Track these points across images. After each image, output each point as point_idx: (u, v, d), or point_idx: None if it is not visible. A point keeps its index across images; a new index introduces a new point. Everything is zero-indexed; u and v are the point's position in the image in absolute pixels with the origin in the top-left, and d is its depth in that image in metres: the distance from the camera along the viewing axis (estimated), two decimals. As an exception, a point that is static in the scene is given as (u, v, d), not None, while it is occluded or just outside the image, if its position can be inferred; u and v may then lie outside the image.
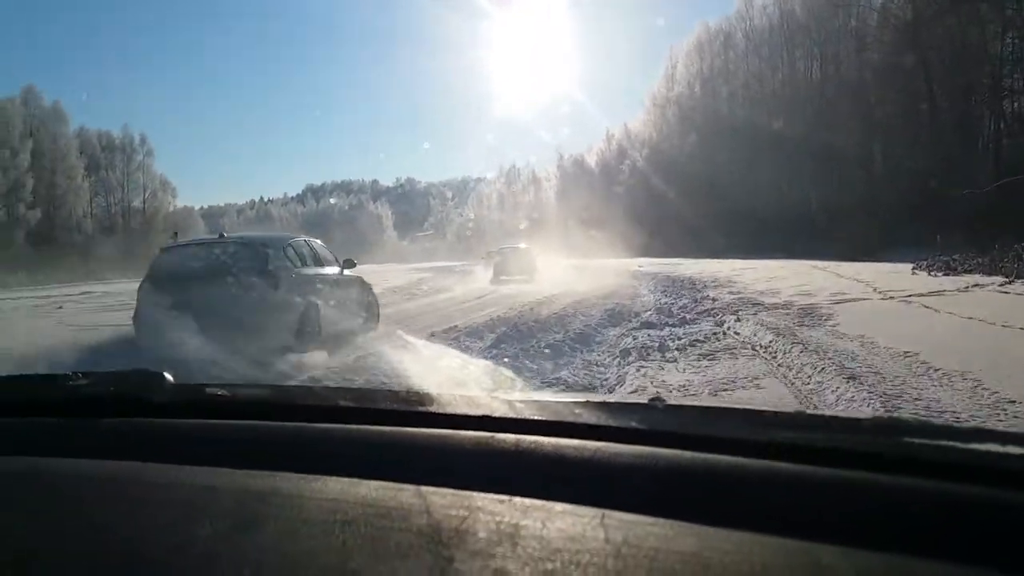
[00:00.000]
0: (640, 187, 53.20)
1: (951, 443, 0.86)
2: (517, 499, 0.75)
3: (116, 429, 1.09)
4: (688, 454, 0.82)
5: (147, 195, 64.63)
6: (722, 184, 44.41)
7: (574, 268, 27.95)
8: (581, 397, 1.08)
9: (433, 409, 1.04)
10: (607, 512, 0.70)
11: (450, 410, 1.03)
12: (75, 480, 0.91)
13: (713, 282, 17.99)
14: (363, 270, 10.68)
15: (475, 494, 0.76)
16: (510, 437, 0.90)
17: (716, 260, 31.32)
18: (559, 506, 0.73)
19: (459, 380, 3.80)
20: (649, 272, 24.63)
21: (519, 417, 0.97)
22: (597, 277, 21.43)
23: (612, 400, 2.18)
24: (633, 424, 0.94)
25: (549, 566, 0.62)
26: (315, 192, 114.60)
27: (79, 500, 0.85)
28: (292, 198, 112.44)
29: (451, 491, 0.77)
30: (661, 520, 0.69)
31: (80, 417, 1.11)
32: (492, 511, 0.73)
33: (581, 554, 0.63)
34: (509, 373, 5.35)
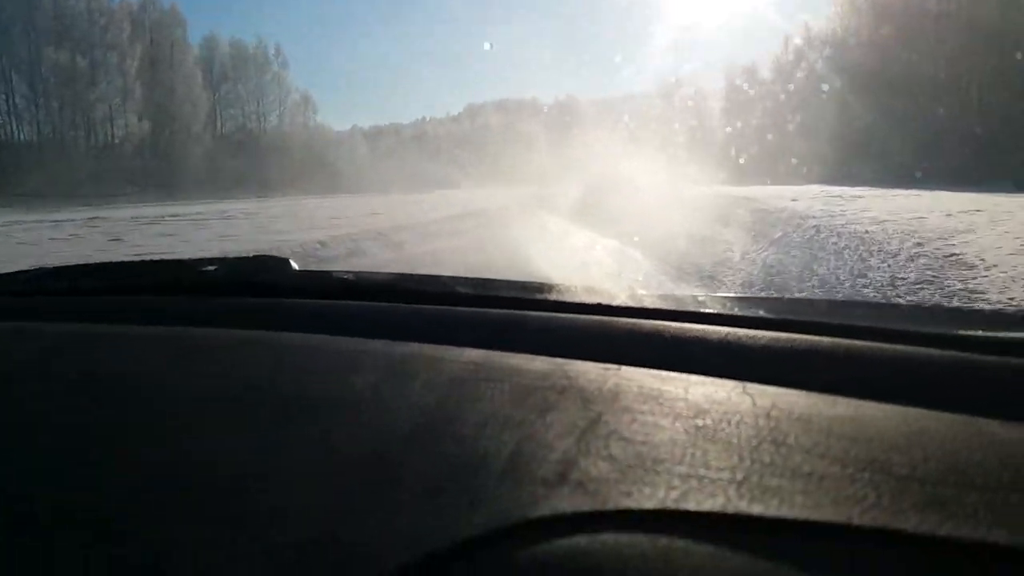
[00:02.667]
0: (816, 97, 42.27)
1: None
2: (657, 371, 0.76)
3: (248, 306, 1.13)
4: (824, 339, 0.84)
5: (282, 110, 62.35)
6: (922, 92, 33.32)
7: (692, 200, 20.75)
8: (698, 293, 1.16)
9: (557, 297, 1.08)
10: (748, 384, 0.71)
11: (571, 298, 1.07)
12: (218, 343, 0.92)
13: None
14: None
15: (613, 366, 0.77)
16: (640, 321, 0.93)
17: (922, 194, 21.63)
18: (699, 378, 0.74)
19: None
20: (799, 216, 15.45)
21: (638, 306, 1.02)
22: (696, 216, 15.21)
23: (736, 296, 2.33)
24: (762, 312, 1.00)
25: (699, 423, 0.62)
26: (475, 111, 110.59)
27: (227, 359, 0.86)
28: (453, 117, 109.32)
29: (591, 363, 0.77)
30: (805, 392, 0.70)
31: (211, 296, 1.16)
32: (632, 377, 0.73)
33: (730, 414, 0.64)
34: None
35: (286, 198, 41.62)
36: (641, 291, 1.10)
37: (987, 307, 5.44)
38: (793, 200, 20.15)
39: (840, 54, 42.48)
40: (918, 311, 1.27)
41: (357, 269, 1.38)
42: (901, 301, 6.49)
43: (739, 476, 0.52)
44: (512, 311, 1.02)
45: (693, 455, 0.56)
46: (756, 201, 19.76)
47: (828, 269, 8.17)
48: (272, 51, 60.78)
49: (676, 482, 0.52)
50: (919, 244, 9.10)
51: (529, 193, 26.06)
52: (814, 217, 14.10)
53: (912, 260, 8.27)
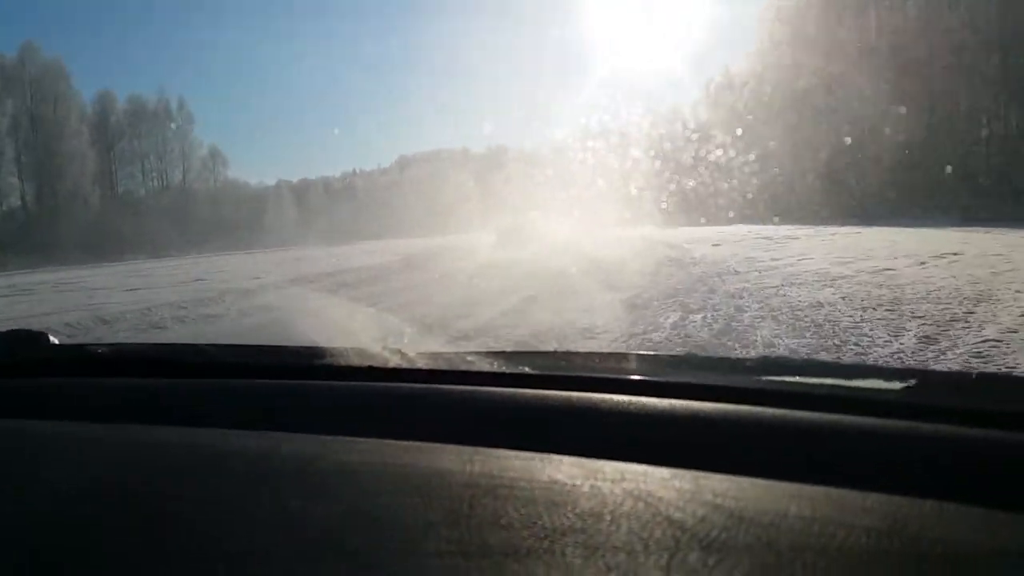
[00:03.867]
0: (734, 137, 40.70)
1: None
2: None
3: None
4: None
5: (186, 166, 58.41)
6: (844, 123, 31.75)
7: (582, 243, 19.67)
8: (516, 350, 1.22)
9: (346, 362, 1.08)
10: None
11: (340, 362, 1.07)
12: None
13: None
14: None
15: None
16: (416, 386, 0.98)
17: (862, 231, 19.10)
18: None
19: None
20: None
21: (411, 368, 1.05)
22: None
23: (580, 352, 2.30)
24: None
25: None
26: (406, 162, 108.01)
27: None
28: (384, 169, 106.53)
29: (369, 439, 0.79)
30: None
31: None
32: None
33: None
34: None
35: (181, 258, 39.05)
36: (412, 353, 1.10)
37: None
38: (715, 245, 17.55)
39: (760, 91, 41.13)
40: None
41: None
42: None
43: None
44: (284, 381, 1.02)
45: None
46: (673, 247, 17.58)
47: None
48: (175, 105, 57.16)
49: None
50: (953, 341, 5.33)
51: (437, 243, 25.89)
52: (737, 274, 10.96)
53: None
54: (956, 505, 0.59)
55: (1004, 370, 4.38)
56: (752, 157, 36.37)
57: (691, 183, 37.44)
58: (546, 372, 1.01)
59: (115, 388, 1.05)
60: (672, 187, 39.52)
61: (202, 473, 0.72)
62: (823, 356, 5.08)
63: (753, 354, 5.33)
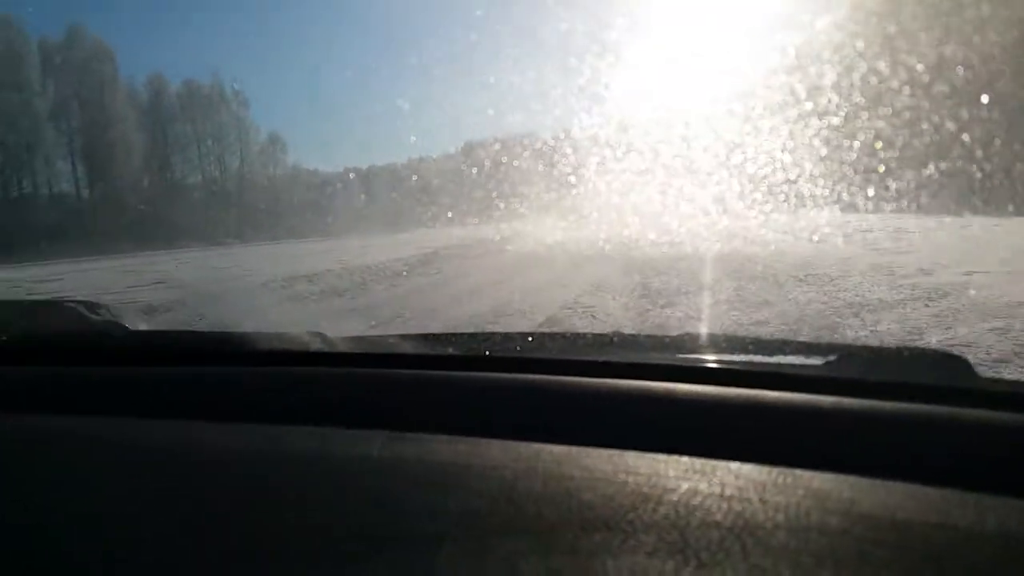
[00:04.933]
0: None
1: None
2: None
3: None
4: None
5: (243, 152, 56.50)
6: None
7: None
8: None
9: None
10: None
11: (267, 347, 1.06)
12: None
13: None
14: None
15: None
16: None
17: None
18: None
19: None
20: None
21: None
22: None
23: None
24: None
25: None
26: (473, 148, 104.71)
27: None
28: (449, 155, 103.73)
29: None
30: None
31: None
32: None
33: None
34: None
35: (242, 246, 37.82)
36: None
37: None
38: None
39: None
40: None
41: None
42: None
43: None
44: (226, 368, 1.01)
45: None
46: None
47: None
48: (229, 89, 55.18)
49: None
50: None
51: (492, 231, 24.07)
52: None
53: None
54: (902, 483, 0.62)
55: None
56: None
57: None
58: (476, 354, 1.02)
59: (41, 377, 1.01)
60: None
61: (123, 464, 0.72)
62: None
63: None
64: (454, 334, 1.41)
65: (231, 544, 0.56)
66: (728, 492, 0.60)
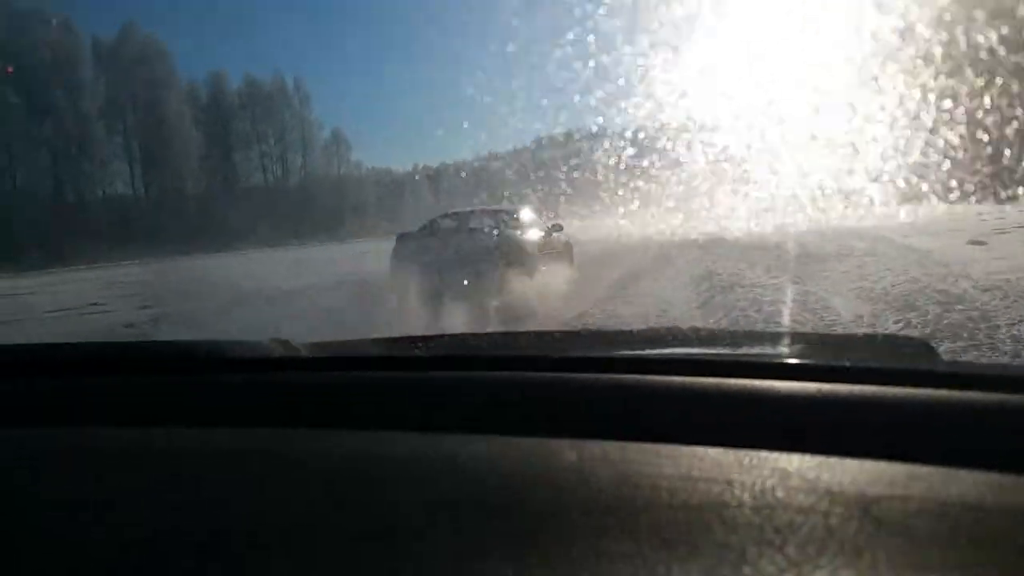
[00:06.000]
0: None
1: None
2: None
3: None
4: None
5: (306, 150, 55.13)
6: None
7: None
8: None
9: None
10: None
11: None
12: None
13: None
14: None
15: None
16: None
17: None
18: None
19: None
20: None
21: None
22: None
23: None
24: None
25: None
26: (544, 143, 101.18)
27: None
28: (519, 150, 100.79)
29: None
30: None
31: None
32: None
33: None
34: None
35: (307, 246, 36.81)
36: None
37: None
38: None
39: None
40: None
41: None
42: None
43: None
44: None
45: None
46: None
47: None
48: (291, 86, 53.87)
49: None
50: None
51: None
52: None
53: None
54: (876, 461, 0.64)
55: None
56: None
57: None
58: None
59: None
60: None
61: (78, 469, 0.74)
62: None
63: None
64: (418, 336, 1.40)
65: (211, 544, 0.58)
66: (694, 474, 0.63)
